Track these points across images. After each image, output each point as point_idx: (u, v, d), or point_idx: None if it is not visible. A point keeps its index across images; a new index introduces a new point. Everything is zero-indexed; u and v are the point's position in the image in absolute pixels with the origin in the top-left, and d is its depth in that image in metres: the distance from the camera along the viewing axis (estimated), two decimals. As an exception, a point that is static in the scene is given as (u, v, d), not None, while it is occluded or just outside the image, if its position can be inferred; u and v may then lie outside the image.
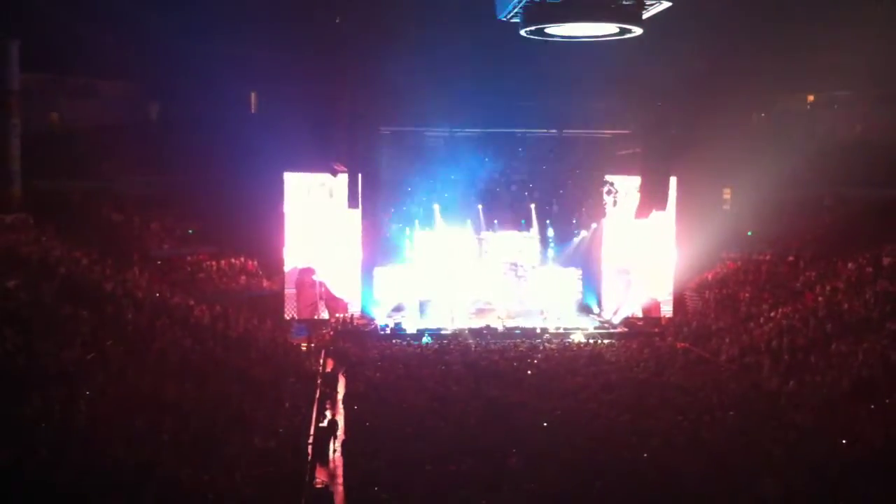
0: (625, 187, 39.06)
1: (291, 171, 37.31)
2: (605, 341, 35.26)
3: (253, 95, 42.73)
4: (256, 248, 38.62)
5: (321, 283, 37.73)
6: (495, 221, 40.34)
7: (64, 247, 29.39)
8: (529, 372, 29.17)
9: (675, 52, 33.95)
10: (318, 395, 25.93)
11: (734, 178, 41.26)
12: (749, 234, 40.24)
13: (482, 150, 38.94)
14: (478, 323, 37.16)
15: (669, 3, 14.82)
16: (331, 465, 21.13)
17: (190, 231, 38.41)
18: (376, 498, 17.89)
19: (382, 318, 37.86)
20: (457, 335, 35.32)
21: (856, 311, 29.66)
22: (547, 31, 14.84)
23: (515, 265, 40.55)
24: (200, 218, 38.43)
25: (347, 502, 18.69)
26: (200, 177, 37.37)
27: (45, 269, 26.20)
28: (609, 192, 39.18)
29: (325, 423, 23.42)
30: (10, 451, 15.20)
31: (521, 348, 33.00)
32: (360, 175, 35.97)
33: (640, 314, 39.69)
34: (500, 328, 36.60)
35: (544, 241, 40.99)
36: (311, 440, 21.58)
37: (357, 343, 34.01)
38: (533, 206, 40.34)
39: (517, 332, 36.29)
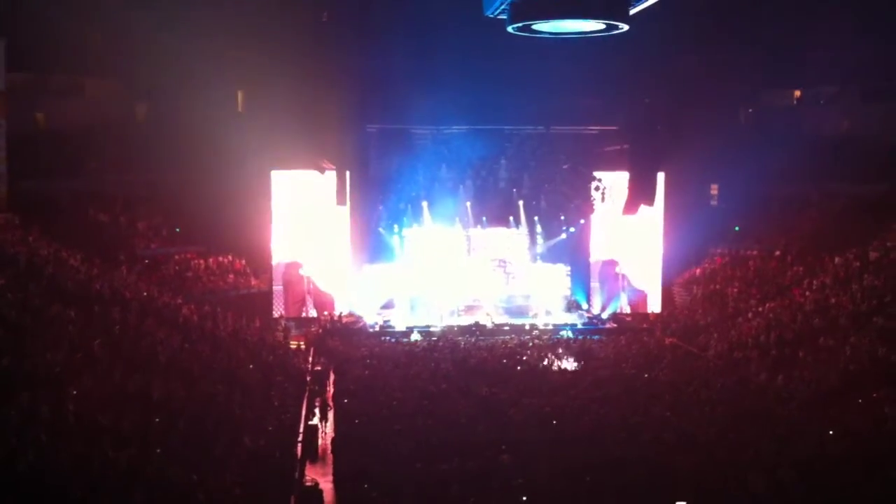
0: (612, 183, 39.13)
1: (278, 169, 37.26)
2: (594, 337, 35.35)
3: (240, 94, 42.55)
4: (244, 247, 38.53)
5: (308, 280, 37.68)
6: (483, 218, 40.25)
7: (51, 247, 29.24)
8: (519, 368, 29.22)
9: (662, 49, 34.04)
10: (307, 394, 25.94)
11: (721, 174, 41.41)
12: (736, 229, 40.38)
13: (470, 146, 38.85)
14: (467, 320, 37.21)
15: (656, -1, 14.84)
16: (320, 462, 21.18)
17: (177, 230, 38.27)
18: (366, 495, 17.87)
19: (371, 316, 37.83)
20: (446, 332, 35.30)
21: (843, 306, 29.74)
22: (534, 27, 14.80)
23: (504, 262, 40.52)
24: (188, 217, 38.29)
25: (337, 500, 18.70)
26: (187, 176, 37.25)
27: (32, 270, 26.02)
28: (597, 189, 39.22)
29: (316, 411, 23.67)
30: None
31: (510, 345, 32.97)
32: (347, 173, 36.02)
33: (628, 310, 39.82)
34: (489, 325, 36.60)
35: (532, 237, 40.97)
36: (300, 438, 21.60)
37: (346, 341, 33.97)
38: (521, 202, 40.26)
39: (506, 328, 36.37)
